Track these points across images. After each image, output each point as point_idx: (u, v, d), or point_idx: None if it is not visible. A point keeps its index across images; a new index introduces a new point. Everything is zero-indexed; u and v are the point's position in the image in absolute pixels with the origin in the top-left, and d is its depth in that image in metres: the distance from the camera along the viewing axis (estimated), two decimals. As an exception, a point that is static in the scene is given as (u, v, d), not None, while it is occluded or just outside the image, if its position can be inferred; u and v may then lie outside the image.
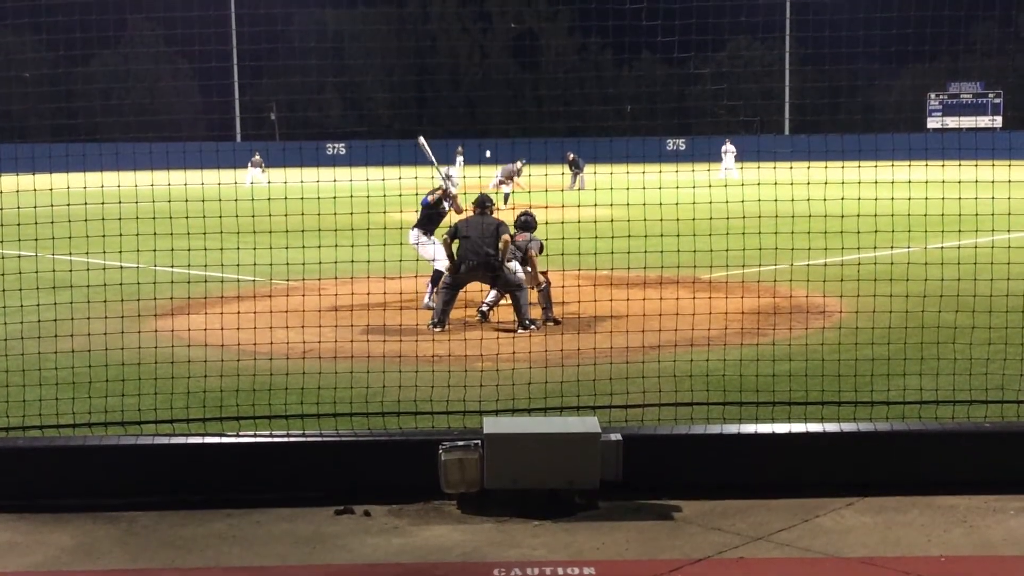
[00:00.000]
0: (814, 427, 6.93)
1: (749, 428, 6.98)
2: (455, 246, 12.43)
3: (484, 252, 12.22)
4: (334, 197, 8.76)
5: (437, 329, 12.12)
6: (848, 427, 6.99)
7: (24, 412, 7.40)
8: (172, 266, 11.14)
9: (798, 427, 6.98)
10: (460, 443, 6.46)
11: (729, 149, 44.91)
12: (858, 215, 8.89)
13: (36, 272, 8.87)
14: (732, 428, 7.03)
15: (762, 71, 50.57)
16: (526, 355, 9.10)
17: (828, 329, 11.41)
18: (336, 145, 68.65)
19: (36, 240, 8.49)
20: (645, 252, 9.07)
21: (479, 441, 6.45)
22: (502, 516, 6.32)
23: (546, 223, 9.54)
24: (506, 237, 12.39)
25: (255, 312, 9.03)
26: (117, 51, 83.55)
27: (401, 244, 12.03)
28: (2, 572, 5.48)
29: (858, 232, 8.65)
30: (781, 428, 6.96)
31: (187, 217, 8.72)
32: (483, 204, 12.79)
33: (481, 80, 76.79)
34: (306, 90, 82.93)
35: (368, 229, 9.03)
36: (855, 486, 6.72)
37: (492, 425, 6.63)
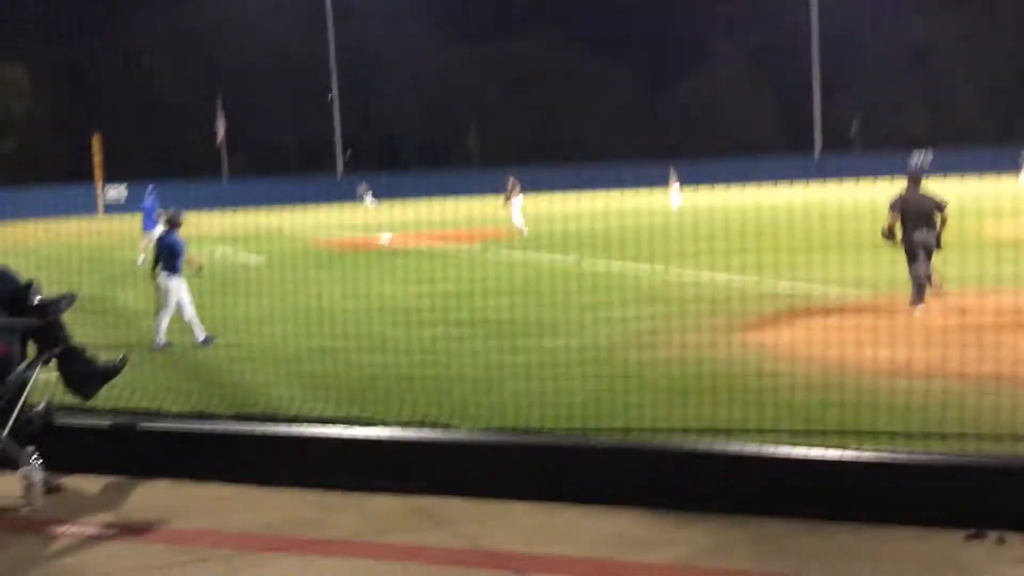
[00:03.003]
0: None
1: None
2: None
3: None
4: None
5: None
6: None
7: (628, 415, 7.92)
8: (759, 279, 11.38)
9: None
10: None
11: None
12: None
13: (639, 285, 9.50)
14: None
15: None
16: None
17: None
18: (920, 158, 65.80)
19: (638, 256, 9.07)
20: None
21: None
22: None
23: None
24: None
25: (842, 326, 8.96)
26: (704, 73, 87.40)
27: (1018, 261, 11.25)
28: (641, 563, 5.77)
29: None
30: None
31: (763, 234, 8.88)
32: None
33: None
34: (888, 101, 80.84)
35: (970, 243, 8.58)
36: None
37: None
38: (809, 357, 9.40)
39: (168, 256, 13.28)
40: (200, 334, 12.98)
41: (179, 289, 13.17)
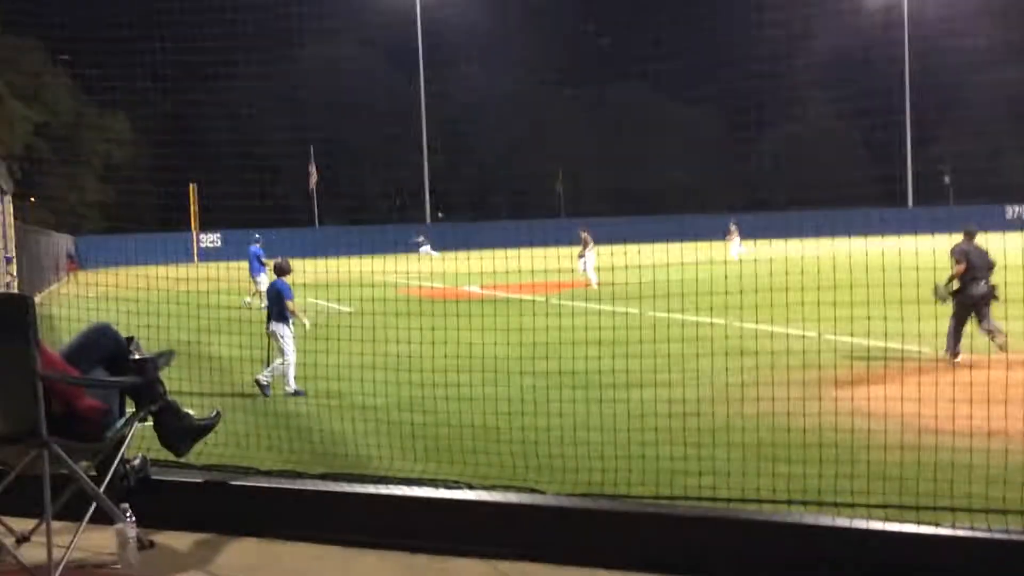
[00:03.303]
0: None
1: None
2: None
3: None
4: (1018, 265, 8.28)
5: None
6: None
7: (716, 478, 7.84)
8: (851, 336, 11.21)
9: None
10: None
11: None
12: None
13: (726, 338, 9.42)
14: None
15: None
16: None
17: None
18: (1016, 208, 64.48)
19: (726, 309, 9.02)
20: None
21: None
22: None
23: None
24: None
25: (937, 384, 8.76)
26: (790, 124, 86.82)
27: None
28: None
29: None
30: None
31: (866, 286, 8.74)
32: None
33: None
34: (982, 153, 79.41)
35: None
36: None
37: None
38: (901, 416, 9.19)
39: (276, 303, 13.65)
40: (292, 384, 13.21)
41: (289, 335, 13.48)
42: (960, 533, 5.72)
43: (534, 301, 24.05)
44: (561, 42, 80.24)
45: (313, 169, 71.18)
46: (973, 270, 13.78)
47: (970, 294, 13.69)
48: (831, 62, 78.18)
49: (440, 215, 78.45)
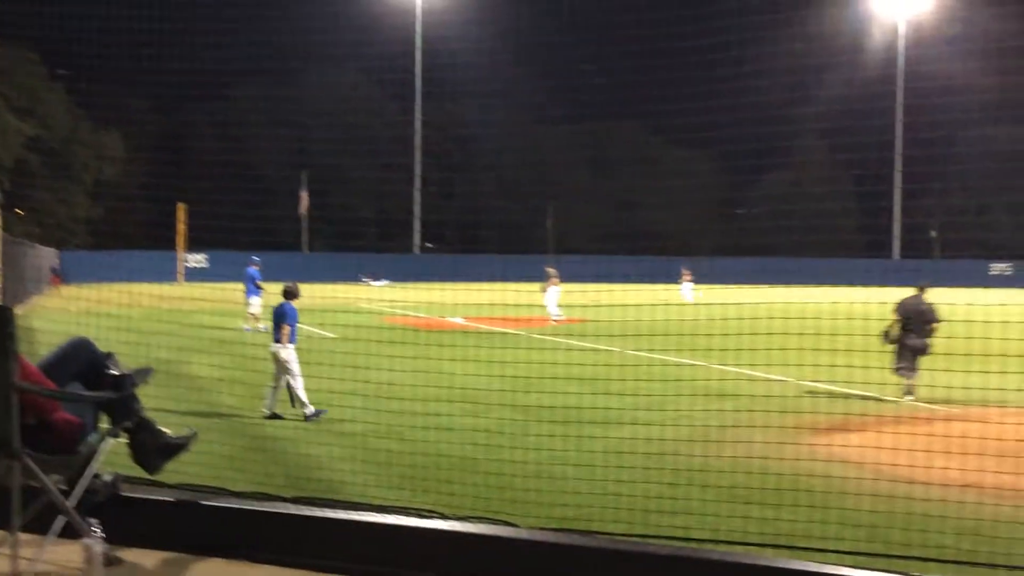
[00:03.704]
0: None
1: None
2: None
3: None
4: (1004, 321, 8.35)
5: None
6: None
7: (688, 518, 7.86)
8: (831, 382, 11.24)
9: None
10: None
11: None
12: None
13: (706, 380, 9.45)
14: None
15: None
16: None
17: None
18: (1001, 266, 64.94)
19: (708, 350, 9.07)
20: None
21: None
22: None
23: None
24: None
25: (912, 435, 8.81)
26: (785, 172, 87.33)
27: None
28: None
29: None
30: None
31: (847, 334, 8.81)
32: None
33: None
34: (970, 209, 80.00)
35: None
36: None
37: None
38: (877, 465, 9.23)
39: (280, 326, 13.68)
40: (308, 407, 13.17)
41: (292, 357, 13.47)
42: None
43: (517, 335, 24.07)
44: (560, 79, 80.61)
45: (304, 194, 71.28)
46: (909, 323, 14.93)
47: (905, 343, 14.81)
48: (826, 113, 78.73)
49: (429, 245, 78.62)
